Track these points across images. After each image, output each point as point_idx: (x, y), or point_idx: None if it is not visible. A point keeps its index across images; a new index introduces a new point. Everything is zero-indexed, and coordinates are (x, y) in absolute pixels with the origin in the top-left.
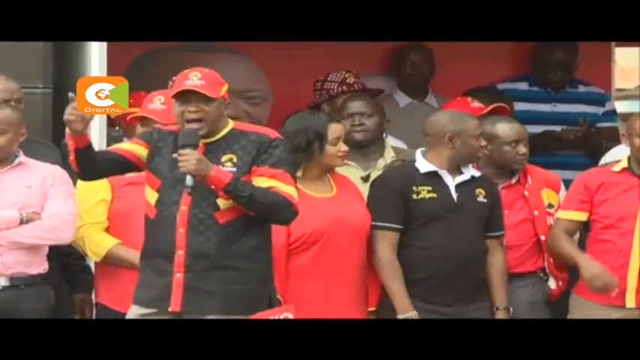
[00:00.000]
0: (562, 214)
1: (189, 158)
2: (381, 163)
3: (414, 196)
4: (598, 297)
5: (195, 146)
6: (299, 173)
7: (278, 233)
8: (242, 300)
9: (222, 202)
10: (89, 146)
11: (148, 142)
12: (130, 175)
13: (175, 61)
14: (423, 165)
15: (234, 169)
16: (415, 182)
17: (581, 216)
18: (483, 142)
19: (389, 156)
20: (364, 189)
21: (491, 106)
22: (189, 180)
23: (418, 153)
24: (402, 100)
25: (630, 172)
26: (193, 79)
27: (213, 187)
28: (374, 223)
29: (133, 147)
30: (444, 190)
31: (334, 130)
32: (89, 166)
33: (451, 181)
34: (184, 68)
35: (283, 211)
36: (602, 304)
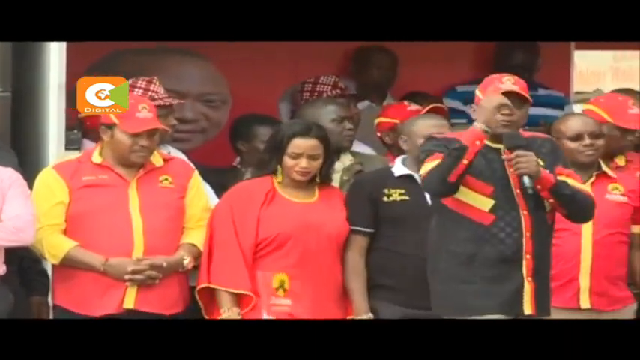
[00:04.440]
0: None
1: (529, 159)
2: (339, 167)
3: (385, 199)
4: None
5: (522, 147)
6: (279, 178)
7: (247, 233)
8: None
9: (547, 204)
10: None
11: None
12: (87, 178)
13: (135, 64)
14: (399, 169)
15: (547, 171)
16: (388, 185)
17: None
18: None
19: (347, 159)
20: None
21: (429, 107)
22: (527, 181)
23: (399, 158)
24: (361, 103)
25: None
26: (507, 82)
27: (539, 187)
28: None
29: None
30: (418, 194)
31: (295, 145)
32: None
33: None
34: (144, 71)
35: (591, 209)
36: (556, 307)
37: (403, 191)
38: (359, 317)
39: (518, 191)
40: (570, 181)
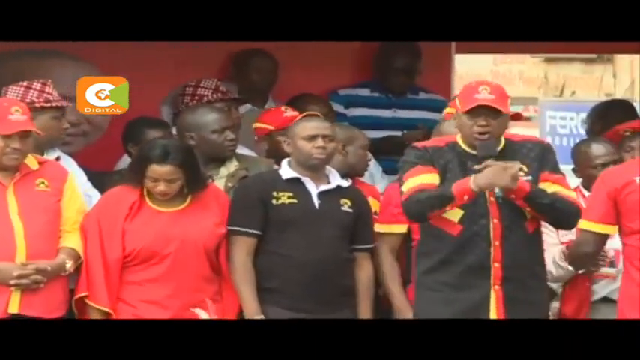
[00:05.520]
0: (379, 228)
1: (495, 170)
2: (223, 172)
3: (274, 202)
4: None
5: (494, 157)
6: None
7: (113, 247)
8: (544, 306)
9: (526, 212)
10: None
11: (432, 164)
12: None
13: (17, 67)
14: (286, 172)
15: (530, 178)
16: (276, 188)
17: (399, 228)
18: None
19: (232, 165)
20: None
21: (303, 115)
22: (497, 190)
23: (285, 161)
24: (242, 106)
25: None
26: (483, 92)
27: (512, 196)
28: (230, 227)
29: (431, 178)
30: (306, 197)
31: (152, 170)
32: None
33: (314, 189)
34: (26, 75)
35: (575, 217)
36: None
37: (291, 194)
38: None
39: (492, 199)
40: (555, 188)
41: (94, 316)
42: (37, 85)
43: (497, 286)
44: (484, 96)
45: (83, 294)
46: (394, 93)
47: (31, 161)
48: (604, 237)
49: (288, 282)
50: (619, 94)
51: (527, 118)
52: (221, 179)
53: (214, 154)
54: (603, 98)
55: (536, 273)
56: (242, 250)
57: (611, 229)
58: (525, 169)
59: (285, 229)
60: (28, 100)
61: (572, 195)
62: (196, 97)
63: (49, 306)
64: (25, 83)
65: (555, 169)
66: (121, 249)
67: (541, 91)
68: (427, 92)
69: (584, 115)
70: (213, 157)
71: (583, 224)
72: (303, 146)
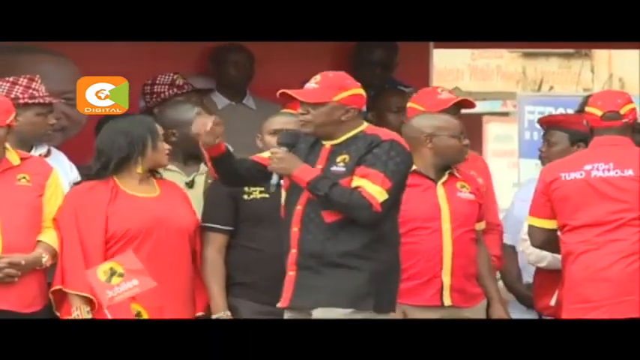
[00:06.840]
0: None
1: (272, 157)
2: (204, 168)
3: (245, 197)
4: (412, 299)
5: (289, 145)
6: (139, 169)
7: (93, 231)
8: (347, 295)
9: None
10: (224, 155)
11: (287, 146)
12: None
13: (4, 62)
14: None
15: (344, 169)
16: None
17: None
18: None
19: None
20: (189, 194)
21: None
22: (274, 178)
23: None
24: (221, 101)
25: (420, 175)
26: (309, 83)
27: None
28: (203, 224)
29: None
30: (277, 192)
31: (159, 128)
32: (227, 173)
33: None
34: (5, 70)
35: (360, 211)
36: (418, 306)
37: (263, 189)
38: (216, 315)
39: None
40: (358, 182)
41: (76, 304)
42: (23, 80)
43: (292, 272)
44: (307, 85)
45: (57, 287)
46: (372, 87)
47: (13, 156)
48: (549, 230)
49: (262, 276)
50: (597, 89)
51: (506, 113)
52: (201, 175)
53: (196, 150)
54: (581, 93)
55: (338, 263)
56: (213, 246)
57: (549, 223)
58: (347, 159)
59: (257, 224)
60: (12, 96)
61: (374, 190)
62: (154, 96)
63: (24, 300)
64: (11, 79)
65: (375, 164)
66: (103, 232)
67: (519, 86)
68: (405, 86)
69: (562, 110)
70: (194, 153)
71: (527, 218)
72: (269, 141)
